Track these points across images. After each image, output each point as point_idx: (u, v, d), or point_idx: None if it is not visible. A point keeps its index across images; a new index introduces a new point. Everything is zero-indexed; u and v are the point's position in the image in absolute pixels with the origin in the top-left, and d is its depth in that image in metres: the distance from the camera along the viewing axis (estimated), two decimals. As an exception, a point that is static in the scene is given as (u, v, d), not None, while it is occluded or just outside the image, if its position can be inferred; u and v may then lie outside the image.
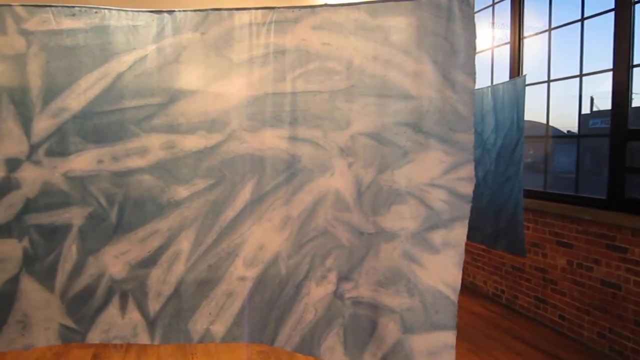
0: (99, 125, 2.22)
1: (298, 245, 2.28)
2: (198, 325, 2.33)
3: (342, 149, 2.21)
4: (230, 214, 2.29)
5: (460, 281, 2.12)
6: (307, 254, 2.28)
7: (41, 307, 2.25)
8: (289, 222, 2.28)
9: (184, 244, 2.29)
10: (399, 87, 2.14)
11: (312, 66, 2.21)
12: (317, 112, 2.22)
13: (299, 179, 2.25)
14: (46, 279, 2.24)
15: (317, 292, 2.28)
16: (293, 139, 2.24)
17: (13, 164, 2.18)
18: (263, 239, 2.30)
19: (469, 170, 2.11)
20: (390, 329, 2.18)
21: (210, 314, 2.33)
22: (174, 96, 2.24)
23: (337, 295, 2.27)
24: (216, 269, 2.31)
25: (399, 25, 2.13)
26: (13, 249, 2.21)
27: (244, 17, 2.24)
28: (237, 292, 2.33)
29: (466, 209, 2.11)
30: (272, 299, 2.33)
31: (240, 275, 2.31)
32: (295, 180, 2.25)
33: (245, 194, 2.28)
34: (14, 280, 2.23)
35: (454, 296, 2.13)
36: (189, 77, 2.25)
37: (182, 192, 2.27)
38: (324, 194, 2.24)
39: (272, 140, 2.25)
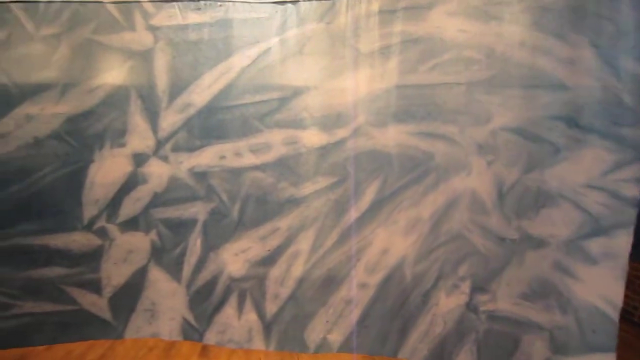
0: (223, 120, 2.17)
1: (427, 251, 2.10)
2: (315, 333, 2.21)
3: (481, 146, 2.00)
4: (353, 214, 2.15)
5: (622, 297, 1.84)
6: (437, 260, 2.09)
7: (168, 296, 2.26)
8: (418, 225, 2.10)
9: (303, 244, 2.19)
10: (550, 77, 1.90)
11: (447, 56, 2.02)
12: (453, 105, 2.02)
13: (431, 178, 2.06)
14: (174, 270, 2.24)
15: (447, 303, 2.09)
16: (425, 134, 2.06)
17: (140, 158, 2.18)
18: (387, 243, 2.14)
19: (636, 170, 1.82)
20: (537, 348, 1.94)
21: (327, 321, 2.20)
22: (297, 90, 2.14)
23: (470, 307, 2.05)
24: (335, 273, 2.18)
25: (551, 6, 1.89)
26: (141, 241, 2.22)
27: (372, 5, 2.09)
28: (357, 299, 2.18)
29: (632, 214, 1.83)
30: (394, 308, 2.16)
31: (361, 281, 2.17)
32: (426, 180, 2.07)
33: (370, 194, 2.13)
34: (143, 271, 2.25)
35: (614, 314, 1.86)
36: (313, 69, 2.14)
37: (303, 190, 2.17)
38: (459, 194, 2.04)
39: (401, 136, 2.09)
